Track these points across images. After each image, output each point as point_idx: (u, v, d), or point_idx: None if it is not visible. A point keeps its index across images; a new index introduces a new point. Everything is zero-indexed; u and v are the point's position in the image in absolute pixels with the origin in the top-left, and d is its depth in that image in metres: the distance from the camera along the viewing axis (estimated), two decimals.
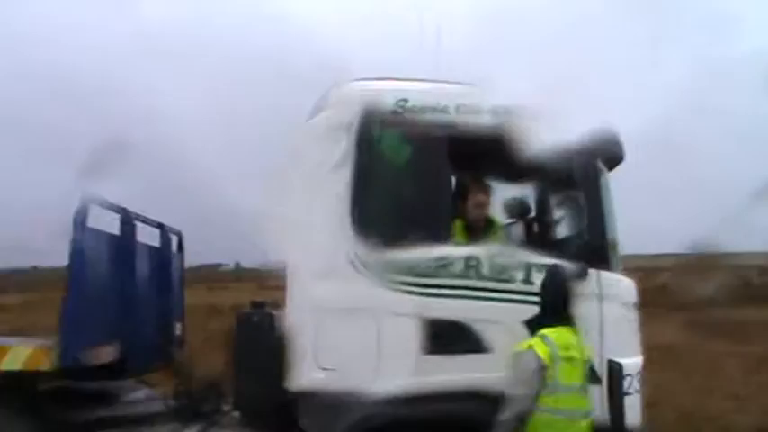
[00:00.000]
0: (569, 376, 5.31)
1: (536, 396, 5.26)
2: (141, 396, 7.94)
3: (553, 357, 5.25)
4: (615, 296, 6.04)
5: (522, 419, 5.25)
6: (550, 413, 5.26)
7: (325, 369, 5.89)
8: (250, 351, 6.31)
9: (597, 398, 5.77)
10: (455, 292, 5.93)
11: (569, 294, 5.55)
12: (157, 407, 7.41)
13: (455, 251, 5.99)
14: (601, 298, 5.96)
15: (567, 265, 5.83)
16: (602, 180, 6.27)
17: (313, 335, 5.94)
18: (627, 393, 5.88)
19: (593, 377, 5.76)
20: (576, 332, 5.49)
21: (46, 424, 6.76)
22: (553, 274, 5.65)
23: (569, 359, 5.31)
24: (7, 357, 6.61)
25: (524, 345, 5.37)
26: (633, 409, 5.91)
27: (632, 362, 5.98)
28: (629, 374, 5.89)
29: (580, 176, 6.09)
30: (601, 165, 6.29)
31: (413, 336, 5.86)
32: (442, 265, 5.94)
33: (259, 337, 6.29)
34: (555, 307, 5.51)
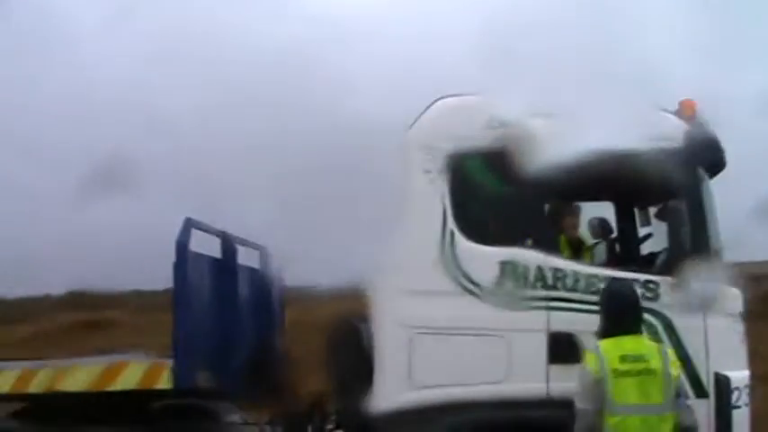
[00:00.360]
0: (627, 394, 4.93)
1: (600, 412, 4.97)
2: (237, 419, 8.10)
3: (602, 371, 4.97)
4: (721, 307, 5.89)
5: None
6: None
7: (421, 387, 5.88)
8: (342, 367, 6.41)
9: (704, 413, 5.63)
10: (562, 304, 5.93)
11: (633, 303, 5.30)
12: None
13: (558, 264, 5.98)
14: (706, 308, 5.82)
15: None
16: (705, 187, 6.16)
17: (404, 352, 5.92)
18: (735, 407, 5.74)
19: (698, 392, 5.69)
20: (650, 342, 5.23)
21: None
22: (612, 286, 5.55)
23: (627, 373, 4.94)
24: (123, 375, 6.87)
25: (585, 358, 5.24)
26: (741, 425, 5.78)
27: (740, 375, 5.84)
28: (736, 388, 5.76)
29: (682, 185, 5.95)
30: (702, 171, 6.16)
31: (525, 349, 5.86)
32: (557, 278, 5.95)
33: (349, 353, 6.34)
34: (610, 318, 5.24)
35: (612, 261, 6.71)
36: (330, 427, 7.25)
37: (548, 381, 5.83)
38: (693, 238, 5.92)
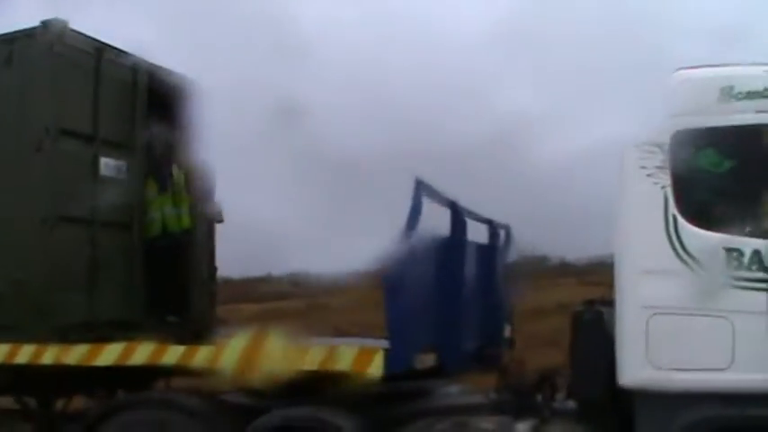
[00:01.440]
0: None
1: None
2: (454, 391, 7.83)
3: None
4: None
5: None
6: None
7: (658, 368, 5.85)
8: (582, 348, 6.46)
9: None
10: None
11: None
12: (477, 399, 7.39)
13: None
14: None
15: None
16: None
17: (644, 334, 5.91)
18: None
19: None
20: None
21: (372, 421, 6.83)
22: None
23: None
24: (335, 357, 6.72)
25: None
26: None
27: None
28: None
29: None
30: None
31: (754, 333, 5.66)
32: None
33: (589, 334, 6.42)
34: None
35: None
36: (559, 397, 7.08)
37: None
38: None
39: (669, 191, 5.95)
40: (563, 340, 7.07)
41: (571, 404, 6.84)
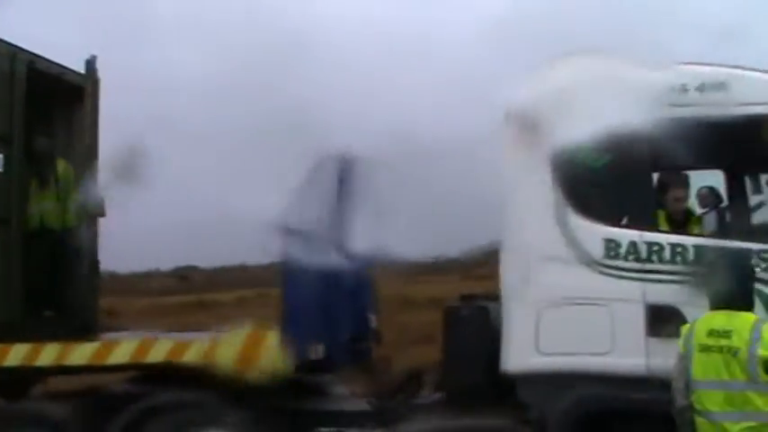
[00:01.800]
0: (707, 369, 4.72)
1: (688, 391, 4.83)
2: (344, 392, 8.14)
3: (687, 346, 4.87)
4: None
5: (680, 416, 4.90)
6: (698, 414, 4.76)
7: (545, 354, 6.13)
8: (458, 343, 6.65)
9: None
10: (668, 277, 5.97)
11: (735, 277, 5.01)
12: (362, 405, 7.50)
13: (668, 238, 6.03)
14: None
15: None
16: None
17: (534, 325, 6.15)
18: None
19: None
20: (740, 317, 4.84)
21: (280, 415, 7.05)
22: (713, 257, 5.47)
23: (711, 348, 4.74)
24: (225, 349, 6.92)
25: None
26: None
27: None
28: None
29: None
30: None
31: (634, 320, 5.98)
32: (655, 251, 6.00)
33: (467, 329, 6.61)
34: (713, 290, 4.99)
35: (723, 231, 6.79)
36: (426, 394, 7.34)
37: (648, 357, 5.93)
38: None
39: (555, 182, 6.17)
40: (436, 335, 7.25)
41: (436, 397, 7.08)
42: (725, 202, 7.48)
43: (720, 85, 5.97)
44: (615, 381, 5.94)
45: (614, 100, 5.89)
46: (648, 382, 5.80)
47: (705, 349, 4.77)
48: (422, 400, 7.33)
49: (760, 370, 4.59)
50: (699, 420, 4.76)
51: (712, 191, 7.43)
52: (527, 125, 6.20)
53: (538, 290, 6.18)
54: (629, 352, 5.98)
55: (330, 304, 7.52)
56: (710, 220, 7.25)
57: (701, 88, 6.01)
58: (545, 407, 6.15)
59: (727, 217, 7.34)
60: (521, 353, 6.22)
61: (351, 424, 7.10)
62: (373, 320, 8.76)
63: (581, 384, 6.00)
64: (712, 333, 4.79)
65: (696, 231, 6.52)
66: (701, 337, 4.82)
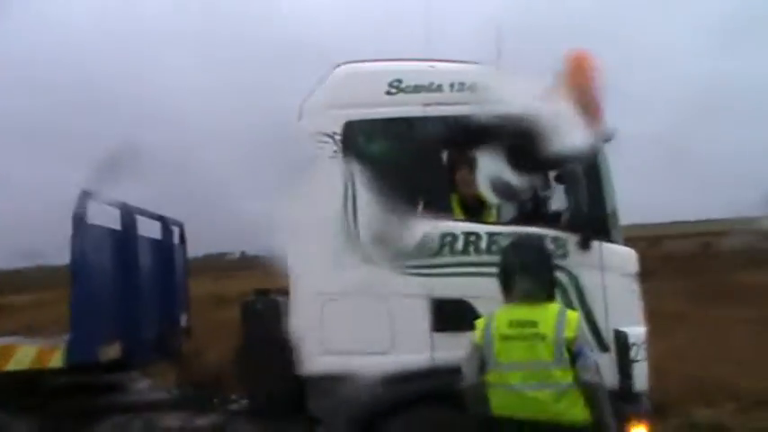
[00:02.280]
0: (510, 354, 4.96)
1: (483, 372, 5.05)
2: (145, 386, 7.99)
3: (486, 337, 5.04)
4: (617, 267, 6.07)
5: (472, 391, 5.10)
6: (497, 387, 5.01)
7: (331, 354, 6.05)
8: (256, 339, 6.49)
9: (607, 366, 5.77)
10: (457, 270, 6.06)
11: (534, 269, 5.22)
12: (161, 395, 7.43)
13: (453, 228, 6.09)
14: (603, 269, 6.01)
15: (566, 237, 5.97)
16: (599, 151, 6.23)
17: (318, 320, 6.07)
18: (634, 361, 5.93)
19: (600, 346, 5.90)
20: (544, 308, 5.10)
21: (53, 419, 6.78)
22: (512, 249, 5.49)
23: (516, 337, 4.97)
24: (15, 356, 6.66)
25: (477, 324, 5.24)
26: (641, 376, 5.97)
27: (637, 331, 6.00)
28: (634, 343, 5.93)
29: (577, 150, 5.97)
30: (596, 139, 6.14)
31: (419, 316, 6.01)
32: (442, 245, 6.06)
33: (263, 324, 6.47)
34: (511, 283, 5.18)
35: (518, 218, 6.81)
36: (235, 397, 7.22)
37: (432, 351, 6.00)
38: (590, 200, 5.96)
39: (342, 179, 6.08)
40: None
41: (245, 402, 6.97)
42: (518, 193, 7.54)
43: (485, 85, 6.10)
44: (399, 379, 5.94)
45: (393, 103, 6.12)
46: (432, 377, 5.91)
47: (507, 338, 4.99)
48: (232, 398, 7.24)
49: (564, 350, 4.92)
50: (499, 391, 5.00)
51: (506, 181, 7.48)
52: (315, 123, 6.21)
53: (319, 286, 6.13)
54: (414, 348, 6.02)
55: (129, 302, 7.33)
56: (506, 206, 7.39)
57: (473, 87, 6.15)
58: (333, 417, 6.07)
59: (521, 205, 7.45)
60: (308, 352, 6.13)
61: (150, 413, 6.94)
62: (185, 316, 8.70)
63: (368, 387, 5.90)
64: (513, 324, 5.01)
65: (490, 219, 6.65)
66: (501, 328, 5.03)
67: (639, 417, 5.88)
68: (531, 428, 4.91)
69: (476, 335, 5.13)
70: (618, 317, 6.01)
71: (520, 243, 5.65)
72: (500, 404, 5.00)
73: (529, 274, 5.18)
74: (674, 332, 12.21)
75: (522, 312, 5.06)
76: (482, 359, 5.07)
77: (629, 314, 6.07)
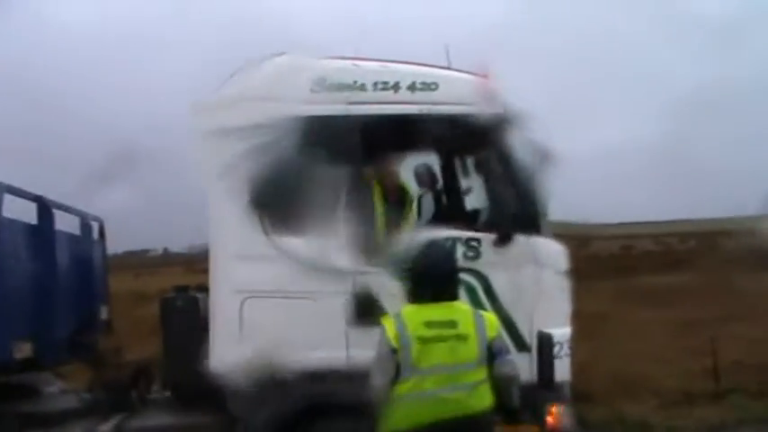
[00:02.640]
0: (431, 357, 4.76)
1: (391, 384, 4.81)
2: (55, 390, 7.70)
3: (402, 340, 4.78)
4: (546, 263, 6.05)
5: (381, 406, 4.85)
6: (408, 397, 4.77)
7: (250, 351, 5.89)
8: (175, 335, 6.48)
9: (526, 364, 5.80)
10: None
11: (445, 269, 5.12)
12: (71, 402, 7.10)
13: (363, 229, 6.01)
14: (531, 265, 6.00)
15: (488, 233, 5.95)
16: (523, 147, 6.17)
17: (236, 317, 5.98)
18: (556, 358, 5.96)
19: (519, 346, 5.88)
20: (464, 306, 5.05)
21: None
22: (419, 249, 5.28)
23: (434, 339, 4.78)
24: None
25: (382, 325, 4.97)
26: (562, 369, 6.01)
27: (562, 331, 6.02)
28: (558, 343, 5.96)
29: (499, 146, 6.07)
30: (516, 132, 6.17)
31: (333, 313, 5.93)
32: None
33: (183, 320, 6.46)
34: (423, 282, 5.00)
35: (437, 215, 6.89)
36: (155, 388, 7.13)
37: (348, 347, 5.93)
38: (510, 195, 6.01)
39: (259, 173, 5.94)
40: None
41: (166, 394, 6.85)
42: (440, 182, 7.64)
43: (431, 85, 6.19)
44: (319, 376, 5.90)
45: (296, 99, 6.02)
46: (350, 375, 5.77)
47: (426, 341, 4.78)
48: (152, 396, 7.10)
49: (484, 351, 4.83)
50: (409, 402, 4.78)
51: (429, 169, 7.56)
52: (215, 127, 6.07)
53: (237, 283, 6.02)
54: (331, 345, 5.94)
55: (43, 299, 7.06)
56: (427, 203, 7.44)
57: (413, 87, 6.16)
58: (251, 414, 5.96)
59: (440, 202, 7.51)
60: (225, 350, 6.02)
61: (58, 423, 6.61)
62: (104, 312, 8.42)
63: (287, 385, 5.89)
64: (432, 324, 4.82)
65: (410, 212, 6.60)
66: (417, 329, 4.81)
67: (560, 402, 5.95)
68: (441, 428, 4.77)
69: (387, 338, 4.85)
70: (542, 316, 6.00)
71: (430, 244, 5.46)
72: (409, 413, 4.79)
73: (442, 274, 5.06)
74: (597, 332, 12.40)
75: (438, 312, 4.90)
76: (403, 362, 4.79)
77: (555, 313, 6.07)
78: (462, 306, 5.05)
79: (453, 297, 5.07)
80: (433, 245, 5.45)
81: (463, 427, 4.81)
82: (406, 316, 4.90)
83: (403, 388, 4.79)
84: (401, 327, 4.84)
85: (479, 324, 4.91)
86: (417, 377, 4.77)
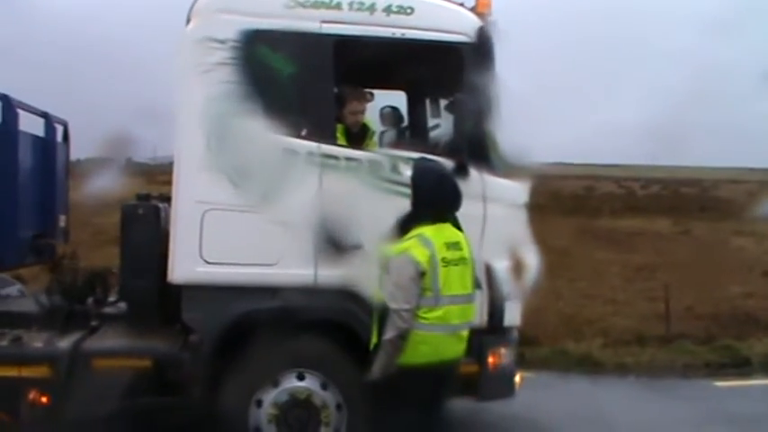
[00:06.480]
0: (452, 285, 4.63)
1: (415, 310, 4.58)
2: (14, 291, 7.66)
3: (433, 262, 4.58)
4: (500, 198, 5.99)
5: (405, 338, 4.58)
6: (428, 329, 4.60)
7: (210, 263, 5.90)
8: (135, 243, 6.37)
9: (478, 301, 5.56)
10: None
11: (449, 189, 4.94)
12: (29, 305, 6.98)
13: (335, 150, 5.97)
14: (485, 199, 5.92)
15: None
16: (492, 81, 6.06)
17: (197, 229, 5.91)
18: (507, 300, 5.95)
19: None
20: (452, 228, 4.87)
21: None
22: (427, 166, 5.18)
23: (452, 262, 4.65)
24: None
25: (399, 248, 4.73)
26: (513, 311, 6.04)
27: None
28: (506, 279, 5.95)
29: (470, 78, 5.93)
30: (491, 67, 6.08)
31: (297, 231, 5.86)
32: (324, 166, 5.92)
33: (144, 229, 6.36)
34: (432, 201, 4.83)
35: (400, 147, 6.64)
36: (112, 299, 7.03)
37: (308, 268, 5.88)
38: (477, 130, 5.92)
39: (228, 87, 5.87)
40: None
41: (122, 306, 6.75)
42: (405, 123, 7.66)
43: (407, 9, 6.05)
44: (281, 292, 5.86)
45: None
46: (313, 292, 5.83)
47: (447, 263, 4.64)
48: (108, 308, 6.98)
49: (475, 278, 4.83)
50: (435, 335, 4.65)
51: (395, 111, 7.66)
52: (205, 27, 5.97)
53: (200, 194, 5.94)
54: (297, 263, 5.90)
55: (2, 199, 6.99)
56: (390, 138, 7.46)
57: (388, 10, 6.05)
58: (206, 324, 5.96)
59: (407, 136, 7.44)
60: (185, 261, 5.95)
61: (16, 326, 6.52)
62: (62, 219, 8.32)
63: (245, 298, 5.89)
64: (450, 246, 4.69)
65: (372, 147, 6.54)
66: (441, 250, 4.62)
67: (505, 344, 6.08)
68: (442, 376, 4.74)
69: (416, 260, 4.59)
70: (494, 250, 5.93)
71: (429, 160, 5.38)
72: (437, 348, 4.64)
73: (456, 191, 4.92)
74: (555, 271, 12.59)
75: (449, 233, 4.77)
76: (432, 287, 4.61)
77: (510, 248, 6.01)
78: (454, 227, 4.93)
79: (455, 217, 4.94)
80: (431, 161, 5.37)
81: (450, 372, 4.85)
82: (431, 236, 4.69)
83: (431, 316, 4.64)
84: (432, 247, 4.64)
85: (471, 248, 4.88)
86: (444, 308, 4.64)
